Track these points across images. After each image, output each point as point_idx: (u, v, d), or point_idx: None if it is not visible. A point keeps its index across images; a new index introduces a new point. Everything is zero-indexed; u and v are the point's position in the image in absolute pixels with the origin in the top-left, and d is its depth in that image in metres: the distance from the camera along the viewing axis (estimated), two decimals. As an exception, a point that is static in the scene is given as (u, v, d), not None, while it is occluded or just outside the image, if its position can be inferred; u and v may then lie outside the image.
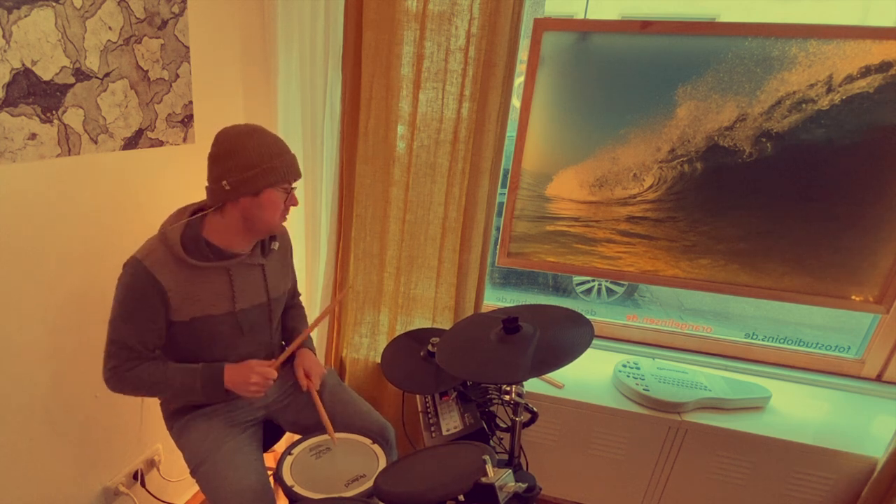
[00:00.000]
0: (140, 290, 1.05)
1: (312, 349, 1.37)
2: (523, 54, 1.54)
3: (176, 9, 1.34)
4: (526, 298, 3.25)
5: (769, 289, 1.59)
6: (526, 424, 1.23)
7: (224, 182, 1.06)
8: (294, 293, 1.45)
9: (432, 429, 1.31)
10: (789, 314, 3.34)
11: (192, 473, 1.15)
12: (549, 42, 1.54)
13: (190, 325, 1.11)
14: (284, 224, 1.36)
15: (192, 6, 1.39)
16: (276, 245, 1.25)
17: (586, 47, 1.53)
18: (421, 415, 1.39)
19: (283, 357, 1.21)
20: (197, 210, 1.14)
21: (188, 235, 1.09)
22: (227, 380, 1.12)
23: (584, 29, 1.51)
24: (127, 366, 1.09)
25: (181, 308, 1.09)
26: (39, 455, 1.21)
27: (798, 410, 1.56)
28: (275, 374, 1.15)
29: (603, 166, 1.61)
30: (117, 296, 1.07)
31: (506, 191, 1.70)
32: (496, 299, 2.00)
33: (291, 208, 1.15)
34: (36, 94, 1.04)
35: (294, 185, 1.16)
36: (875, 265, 1.50)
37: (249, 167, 1.05)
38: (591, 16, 2.32)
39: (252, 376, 1.11)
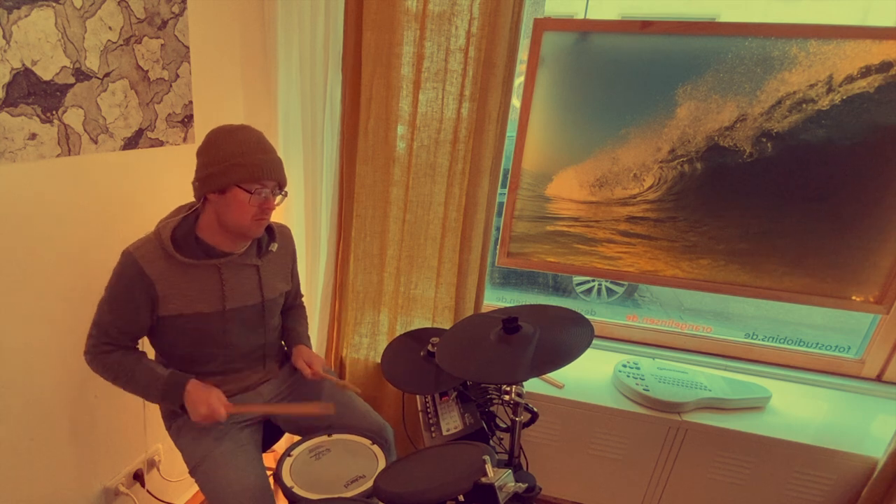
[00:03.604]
0: (127, 280, 1.06)
1: (310, 346, 1.38)
2: (523, 54, 1.54)
3: (176, 9, 1.34)
4: (526, 298, 3.25)
5: (769, 289, 1.59)
6: (526, 424, 1.23)
7: (194, 178, 1.09)
8: (296, 294, 1.45)
9: (432, 429, 1.31)
10: (789, 314, 3.34)
11: (191, 473, 1.15)
12: (549, 42, 1.54)
13: (178, 320, 1.11)
14: (287, 225, 1.37)
15: (192, 6, 1.39)
16: (274, 247, 1.25)
17: (586, 47, 1.53)
18: (421, 415, 1.39)
19: (240, 409, 1.16)
20: (192, 208, 1.14)
21: (181, 232, 1.10)
22: (187, 398, 1.10)
23: (584, 29, 1.51)
24: (102, 349, 1.10)
25: (169, 302, 1.09)
26: (39, 455, 1.21)
27: (798, 410, 1.56)
28: (223, 416, 1.10)
29: (603, 166, 1.61)
30: (108, 282, 1.09)
31: (506, 191, 1.70)
32: (496, 299, 2.00)
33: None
34: (36, 94, 1.04)
35: (283, 190, 1.13)
36: (875, 265, 1.50)
37: (215, 163, 1.05)
38: (591, 16, 2.32)
39: (201, 406, 1.08)
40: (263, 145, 1.08)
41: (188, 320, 1.12)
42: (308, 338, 1.40)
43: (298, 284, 1.44)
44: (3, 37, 0.96)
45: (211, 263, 1.13)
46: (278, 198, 1.13)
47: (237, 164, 1.04)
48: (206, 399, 1.09)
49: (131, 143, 1.29)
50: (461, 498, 0.88)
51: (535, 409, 1.23)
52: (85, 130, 1.16)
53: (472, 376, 1.17)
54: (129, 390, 1.13)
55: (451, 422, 1.29)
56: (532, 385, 1.63)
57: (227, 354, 1.19)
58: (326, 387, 1.35)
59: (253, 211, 1.08)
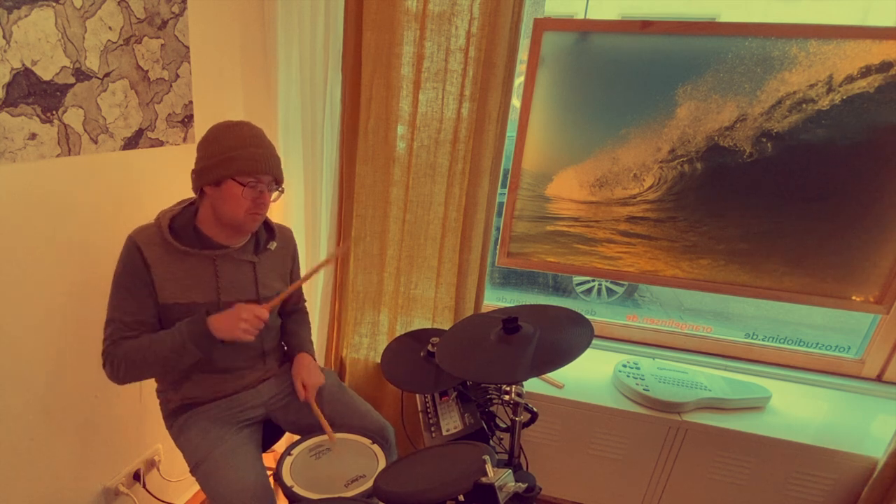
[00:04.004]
0: (130, 263, 1.08)
1: (312, 353, 1.37)
2: (523, 54, 1.54)
3: (176, 9, 1.34)
4: (526, 298, 3.24)
5: (769, 289, 1.59)
6: (526, 424, 1.23)
7: (192, 170, 1.10)
8: (298, 298, 1.45)
9: (432, 429, 1.31)
10: (789, 314, 3.34)
11: (192, 472, 1.15)
12: (549, 42, 1.54)
13: (174, 309, 1.11)
14: (288, 225, 1.37)
15: (192, 6, 1.39)
16: (273, 245, 1.25)
17: (586, 47, 1.53)
18: (421, 415, 1.39)
19: (275, 301, 1.16)
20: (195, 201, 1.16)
21: (180, 221, 1.11)
22: (215, 327, 1.06)
23: (584, 29, 1.51)
24: (119, 342, 1.07)
25: (165, 289, 1.09)
26: (39, 455, 1.21)
27: (798, 410, 1.56)
28: (266, 314, 1.09)
29: (603, 166, 1.61)
30: (114, 274, 1.09)
31: (506, 191, 1.70)
32: (496, 299, 2.00)
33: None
34: (36, 94, 1.04)
35: (280, 186, 1.13)
36: (875, 265, 1.50)
37: (212, 156, 1.06)
38: (591, 16, 2.32)
39: (242, 312, 1.06)
40: (261, 140, 1.09)
41: (184, 310, 1.12)
42: (310, 342, 1.40)
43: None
44: (3, 37, 0.96)
45: (206, 254, 1.13)
46: (274, 194, 1.13)
47: (232, 156, 1.05)
48: (237, 314, 1.06)
49: (131, 143, 1.29)
50: (461, 498, 0.88)
51: (535, 409, 1.23)
52: (85, 130, 1.16)
53: (472, 376, 1.17)
54: (158, 363, 1.08)
55: (451, 422, 1.29)
56: (532, 385, 1.63)
57: (225, 351, 1.18)
58: (325, 391, 1.35)
59: (247, 204, 1.08)
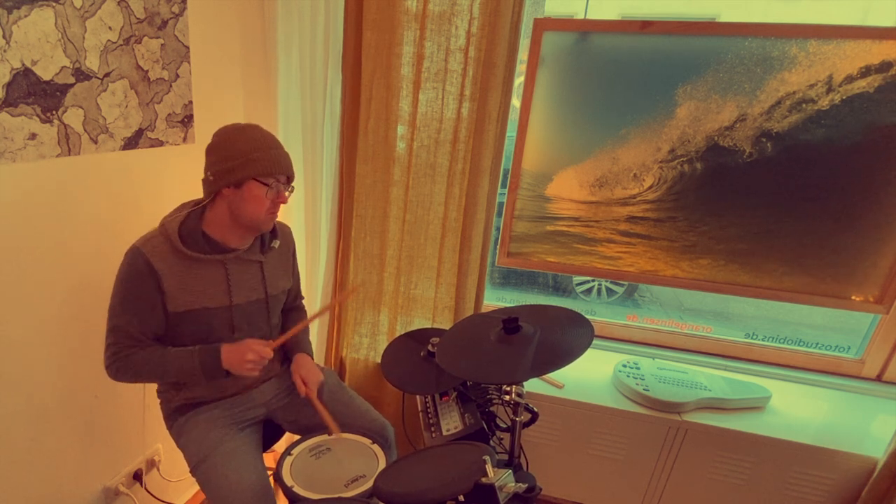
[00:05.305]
0: (137, 275, 1.07)
1: (310, 353, 1.37)
2: (523, 54, 1.54)
3: (176, 9, 1.34)
4: (526, 298, 3.25)
5: (769, 289, 1.59)
6: (526, 424, 1.23)
7: (209, 173, 1.10)
8: (297, 295, 1.45)
9: (432, 429, 1.31)
10: (789, 314, 3.34)
11: (192, 472, 1.15)
12: (549, 42, 1.54)
13: (186, 316, 1.11)
14: (288, 224, 1.37)
15: (192, 6, 1.39)
16: (276, 243, 1.26)
17: (586, 47, 1.53)
18: (421, 415, 1.39)
19: (280, 340, 1.20)
20: (198, 204, 1.15)
21: (187, 227, 1.11)
22: (225, 359, 1.11)
23: (584, 29, 1.51)
24: (126, 352, 1.09)
25: (177, 297, 1.10)
26: (39, 455, 1.21)
27: (798, 410, 1.56)
28: (270, 354, 1.13)
29: (603, 166, 1.61)
30: (116, 282, 1.09)
31: (506, 191, 1.70)
32: (496, 299, 2.00)
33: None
34: (36, 94, 1.04)
35: (291, 184, 1.16)
36: (875, 265, 1.50)
37: (231, 158, 1.06)
38: (591, 16, 2.32)
39: (248, 353, 1.10)
40: (275, 141, 1.12)
41: (196, 316, 1.12)
42: (309, 343, 1.40)
43: (299, 284, 1.44)
44: (3, 37, 0.96)
45: (217, 259, 1.13)
46: (286, 192, 1.15)
47: (254, 158, 1.06)
48: (244, 351, 1.10)
49: (131, 143, 1.29)
50: (461, 498, 0.88)
51: (536, 409, 1.23)
52: (85, 130, 1.16)
53: (472, 376, 1.17)
54: (164, 378, 1.14)
55: (452, 422, 1.29)
56: (532, 385, 1.63)
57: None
58: (325, 390, 1.35)
59: (267, 204, 1.11)
